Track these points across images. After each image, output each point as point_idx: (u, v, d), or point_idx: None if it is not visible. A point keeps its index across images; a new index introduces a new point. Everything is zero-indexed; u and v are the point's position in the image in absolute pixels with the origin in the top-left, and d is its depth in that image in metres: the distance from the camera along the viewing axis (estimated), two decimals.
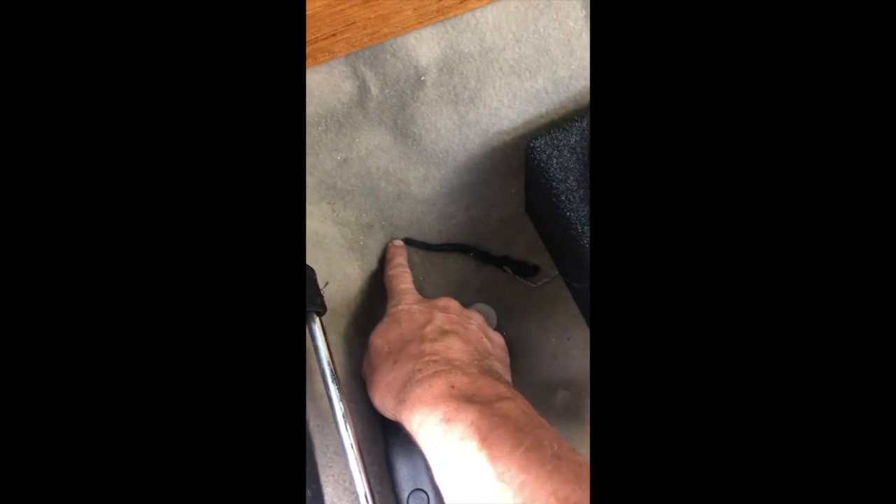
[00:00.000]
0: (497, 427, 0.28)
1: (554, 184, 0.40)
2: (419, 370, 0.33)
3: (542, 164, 0.41)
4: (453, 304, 0.41)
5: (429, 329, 0.36)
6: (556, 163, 0.41)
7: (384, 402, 0.35)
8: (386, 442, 0.39)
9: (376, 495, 0.35)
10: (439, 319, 0.37)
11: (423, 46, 0.39)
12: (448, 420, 0.29)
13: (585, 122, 0.41)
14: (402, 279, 0.45)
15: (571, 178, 0.40)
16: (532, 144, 0.42)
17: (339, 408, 0.33)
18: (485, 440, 0.28)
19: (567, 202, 0.40)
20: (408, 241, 0.53)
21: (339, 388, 0.33)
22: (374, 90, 0.41)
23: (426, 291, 0.52)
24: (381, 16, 0.36)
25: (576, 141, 0.41)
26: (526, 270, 0.51)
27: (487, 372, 0.34)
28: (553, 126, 0.43)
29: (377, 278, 0.52)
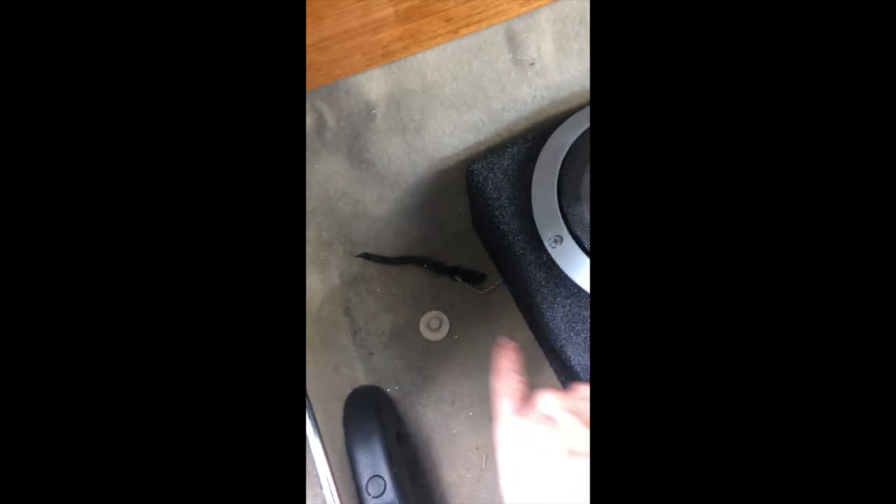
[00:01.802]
0: None
1: (489, 201, 0.46)
2: None
3: (480, 185, 0.47)
4: (553, 402, 0.32)
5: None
6: (492, 183, 0.47)
7: None
8: (346, 433, 0.44)
9: (337, 480, 0.39)
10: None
11: (373, 84, 0.45)
12: None
13: (516, 148, 0.48)
14: (504, 390, 0.35)
15: (504, 196, 0.46)
16: (471, 168, 0.48)
17: None
18: None
19: (501, 216, 0.46)
20: (366, 256, 0.58)
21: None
22: (331, 122, 0.47)
23: (384, 301, 0.57)
24: (334, 60, 0.42)
25: (508, 164, 0.47)
26: (474, 278, 0.57)
27: None
28: (489, 151, 0.49)
29: (336, 291, 0.56)
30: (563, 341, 0.42)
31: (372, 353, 0.55)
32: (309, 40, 0.39)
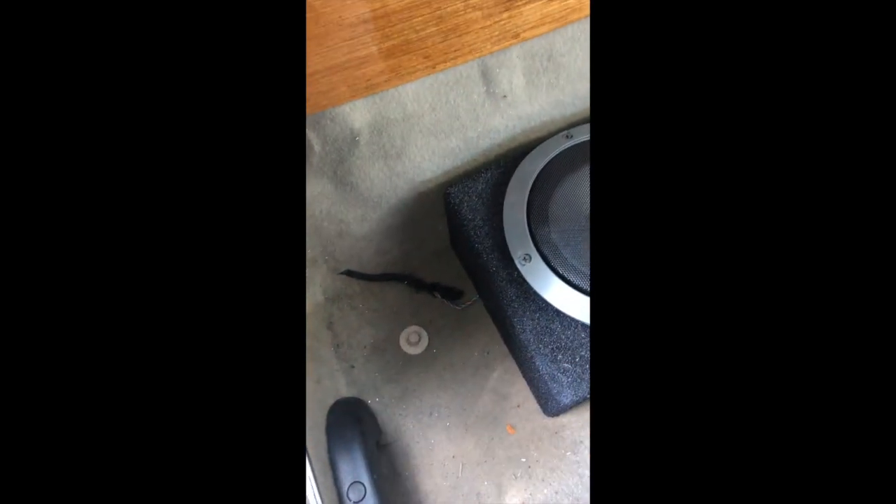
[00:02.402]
0: None
1: (465, 222, 0.50)
2: None
3: (456, 207, 0.51)
4: None
5: None
6: (467, 206, 0.50)
7: None
8: (328, 442, 0.46)
9: (320, 485, 0.41)
10: None
11: (357, 113, 0.49)
12: None
13: (489, 173, 0.52)
14: None
15: (478, 217, 0.50)
16: (448, 191, 0.51)
17: None
18: None
19: (475, 236, 0.49)
20: (349, 273, 0.60)
21: None
22: (317, 148, 0.50)
23: (366, 316, 0.60)
24: (321, 91, 0.45)
25: (482, 188, 0.51)
26: (452, 295, 0.60)
27: None
28: (465, 176, 0.53)
29: (320, 306, 0.59)
30: (533, 352, 0.45)
31: (353, 367, 0.57)
32: None
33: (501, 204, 0.49)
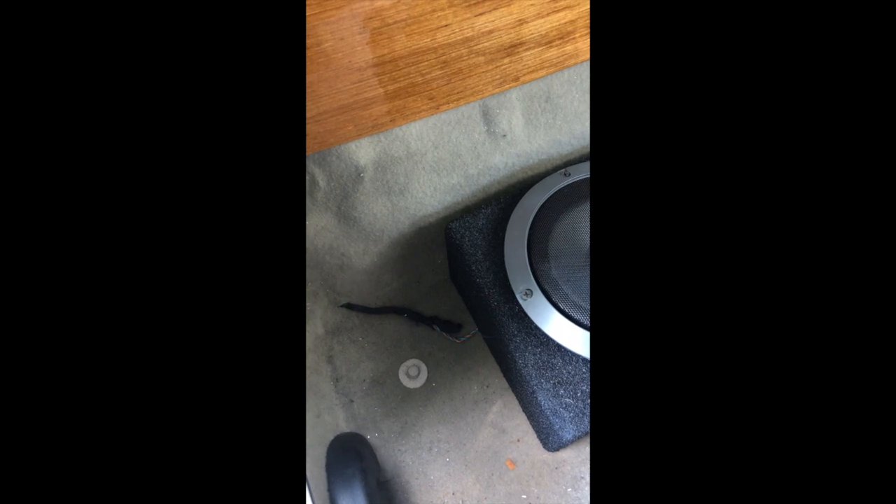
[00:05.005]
0: None
1: (466, 256, 0.51)
2: None
3: (458, 242, 0.52)
4: None
5: None
6: (468, 241, 0.51)
7: None
8: (329, 479, 0.45)
9: None
10: None
11: (362, 151, 0.50)
12: None
13: (490, 209, 0.53)
14: None
15: (479, 252, 0.51)
16: (449, 226, 0.53)
17: None
18: None
19: (476, 270, 0.50)
20: (349, 306, 0.61)
21: None
22: (322, 183, 0.51)
23: (366, 350, 0.60)
24: (328, 130, 0.47)
25: (483, 223, 0.52)
26: (451, 328, 0.60)
27: None
28: (466, 212, 0.54)
29: (320, 340, 0.59)
30: (534, 387, 0.45)
31: (353, 401, 0.57)
32: (308, 114, 0.44)
33: (502, 239, 0.50)
